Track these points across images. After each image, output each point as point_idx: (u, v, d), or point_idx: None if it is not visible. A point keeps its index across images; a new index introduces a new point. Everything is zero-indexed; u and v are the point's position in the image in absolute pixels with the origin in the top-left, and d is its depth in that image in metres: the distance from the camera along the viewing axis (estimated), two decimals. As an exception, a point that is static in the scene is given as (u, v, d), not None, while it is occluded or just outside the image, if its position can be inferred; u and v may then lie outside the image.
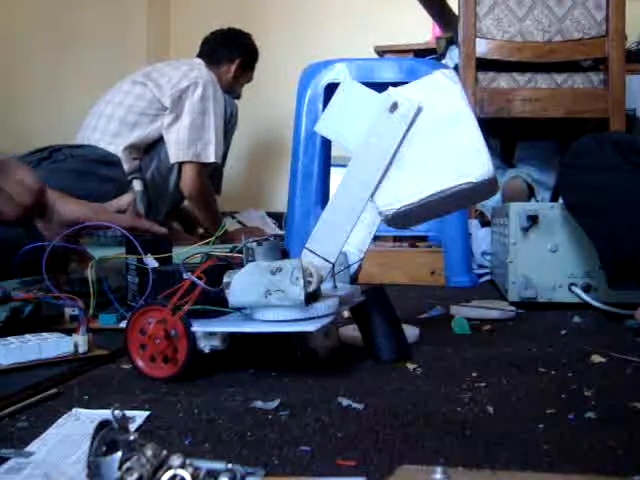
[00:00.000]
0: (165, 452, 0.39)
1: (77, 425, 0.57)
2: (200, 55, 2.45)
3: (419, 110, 0.68)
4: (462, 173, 0.69)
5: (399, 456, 0.51)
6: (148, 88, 2.19)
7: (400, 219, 0.74)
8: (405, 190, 0.71)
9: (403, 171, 0.70)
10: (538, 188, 2.23)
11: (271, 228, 2.73)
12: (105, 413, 0.57)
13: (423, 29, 2.76)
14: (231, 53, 2.44)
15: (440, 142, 0.69)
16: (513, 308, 1.14)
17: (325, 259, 0.73)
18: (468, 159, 0.69)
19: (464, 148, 0.69)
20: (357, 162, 0.74)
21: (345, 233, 0.74)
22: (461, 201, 0.75)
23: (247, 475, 0.41)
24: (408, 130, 0.69)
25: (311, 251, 0.73)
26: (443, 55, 2.20)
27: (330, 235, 0.74)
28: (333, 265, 0.74)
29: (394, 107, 0.68)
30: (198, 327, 0.70)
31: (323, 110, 1.60)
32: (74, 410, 0.61)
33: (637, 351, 0.80)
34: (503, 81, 1.87)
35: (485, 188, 0.71)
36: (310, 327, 0.68)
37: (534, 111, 1.83)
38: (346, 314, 0.92)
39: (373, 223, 0.78)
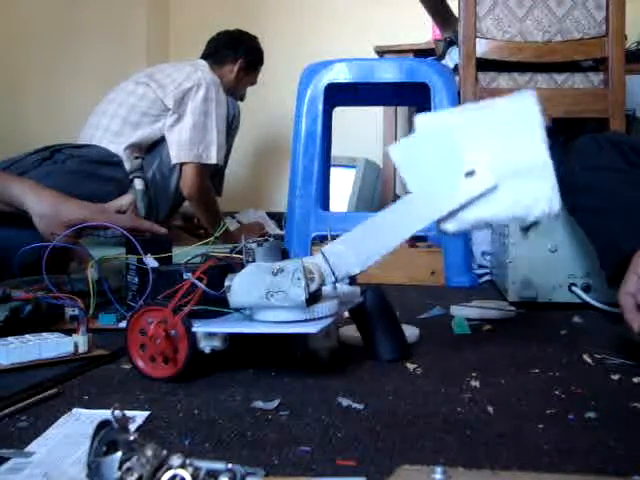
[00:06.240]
0: (165, 452, 0.39)
1: (77, 425, 0.57)
2: (205, 54, 2.45)
3: (493, 188, 0.68)
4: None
5: (399, 456, 0.51)
6: (151, 88, 2.19)
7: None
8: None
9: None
10: (538, 188, 2.23)
11: (271, 228, 2.73)
12: (105, 413, 0.57)
13: (423, 29, 2.76)
14: (235, 53, 2.44)
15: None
16: (513, 308, 1.14)
17: (332, 272, 0.72)
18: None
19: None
20: (410, 203, 0.73)
21: (363, 261, 0.73)
22: None
23: (247, 475, 0.41)
24: (476, 199, 0.69)
25: (325, 258, 0.73)
26: (442, 56, 2.20)
27: (350, 254, 0.73)
28: (336, 279, 0.74)
29: (470, 174, 0.68)
30: (199, 328, 0.70)
31: (323, 110, 1.60)
32: (74, 410, 0.61)
33: (636, 352, 0.80)
34: (503, 81, 1.86)
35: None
36: (312, 328, 0.68)
37: (534, 111, 1.83)
38: (346, 314, 0.92)
39: (387, 248, 0.76)
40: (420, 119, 0.75)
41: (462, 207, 0.71)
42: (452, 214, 0.72)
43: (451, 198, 0.71)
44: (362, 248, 0.73)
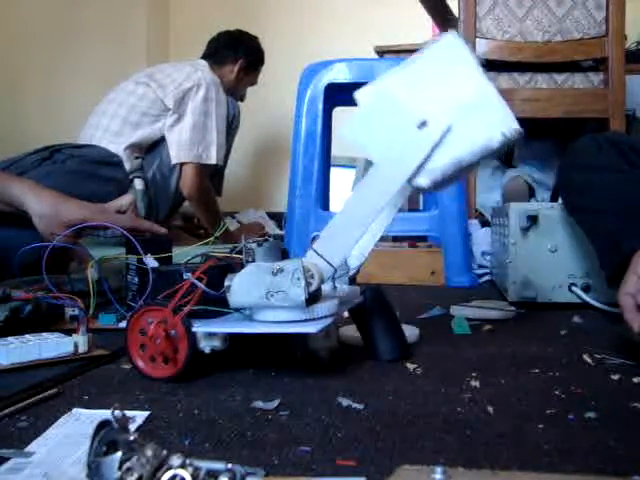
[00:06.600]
0: (165, 452, 0.39)
1: (77, 425, 0.57)
2: (205, 54, 2.45)
3: (448, 130, 0.69)
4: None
5: (399, 456, 0.51)
6: (151, 89, 2.19)
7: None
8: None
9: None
10: (538, 188, 2.23)
11: (271, 228, 2.73)
12: (105, 413, 0.57)
13: (423, 29, 2.76)
14: (235, 53, 2.44)
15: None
16: (513, 308, 1.14)
17: (329, 263, 0.73)
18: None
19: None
20: (377, 172, 0.74)
21: (354, 240, 0.74)
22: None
23: (247, 475, 0.41)
24: (435, 147, 0.70)
25: (317, 253, 0.73)
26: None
27: (338, 240, 0.74)
28: (335, 270, 0.74)
29: (423, 124, 0.69)
30: (199, 328, 0.70)
31: (323, 110, 1.60)
32: (74, 410, 0.61)
33: (636, 352, 0.80)
34: (503, 81, 1.87)
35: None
36: (312, 328, 0.68)
37: (534, 111, 1.83)
38: (346, 314, 0.92)
39: (379, 229, 0.78)
40: (359, 93, 0.76)
41: (426, 159, 0.72)
42: (419, 169, 0.72)
43: (413, 154, 0.72)
44: (348, 231, 0.74)
